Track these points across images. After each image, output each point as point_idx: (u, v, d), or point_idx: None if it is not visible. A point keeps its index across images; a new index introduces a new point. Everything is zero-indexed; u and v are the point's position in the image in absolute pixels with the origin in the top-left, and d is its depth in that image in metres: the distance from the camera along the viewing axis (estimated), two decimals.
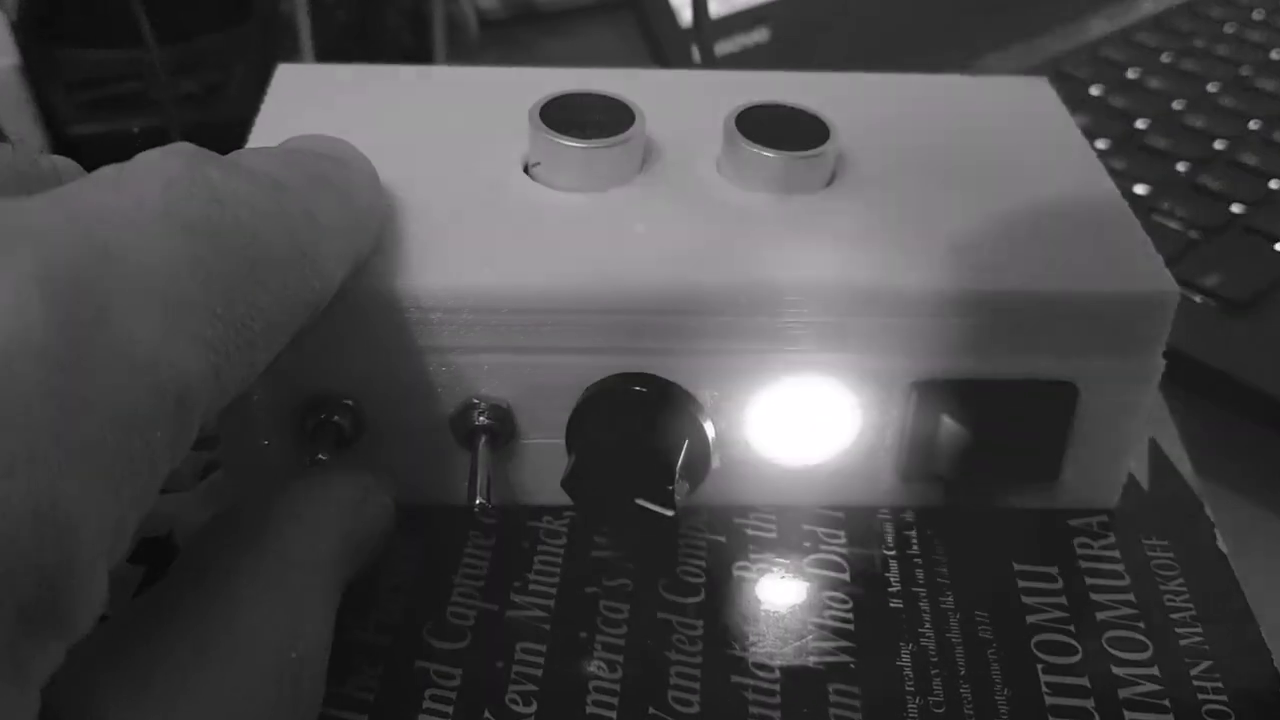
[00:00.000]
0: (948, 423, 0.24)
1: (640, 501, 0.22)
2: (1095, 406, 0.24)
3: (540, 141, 0.24)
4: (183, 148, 0.18)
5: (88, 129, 0.36)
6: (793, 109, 0.26)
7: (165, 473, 0.15)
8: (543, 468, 0.24)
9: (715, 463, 0.23)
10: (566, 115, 0.24)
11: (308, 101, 0.27)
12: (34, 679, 0.14)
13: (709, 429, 0.23)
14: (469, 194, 0.24)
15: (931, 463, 0.24)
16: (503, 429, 0.23)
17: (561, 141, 0.24)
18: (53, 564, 0.13)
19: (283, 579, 0.19)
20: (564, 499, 0.22)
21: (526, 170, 0.25)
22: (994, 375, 0.23)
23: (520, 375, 0.23)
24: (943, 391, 0.24)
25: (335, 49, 0.40)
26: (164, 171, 0.17)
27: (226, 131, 0.24)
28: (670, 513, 0.22)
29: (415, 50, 0.42)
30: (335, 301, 0.21)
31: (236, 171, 0.18)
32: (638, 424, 0.22)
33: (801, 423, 0.24)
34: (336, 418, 0.23)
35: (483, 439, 0.23)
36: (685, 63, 0.40)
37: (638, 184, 0.25)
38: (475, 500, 0.22)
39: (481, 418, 0.23)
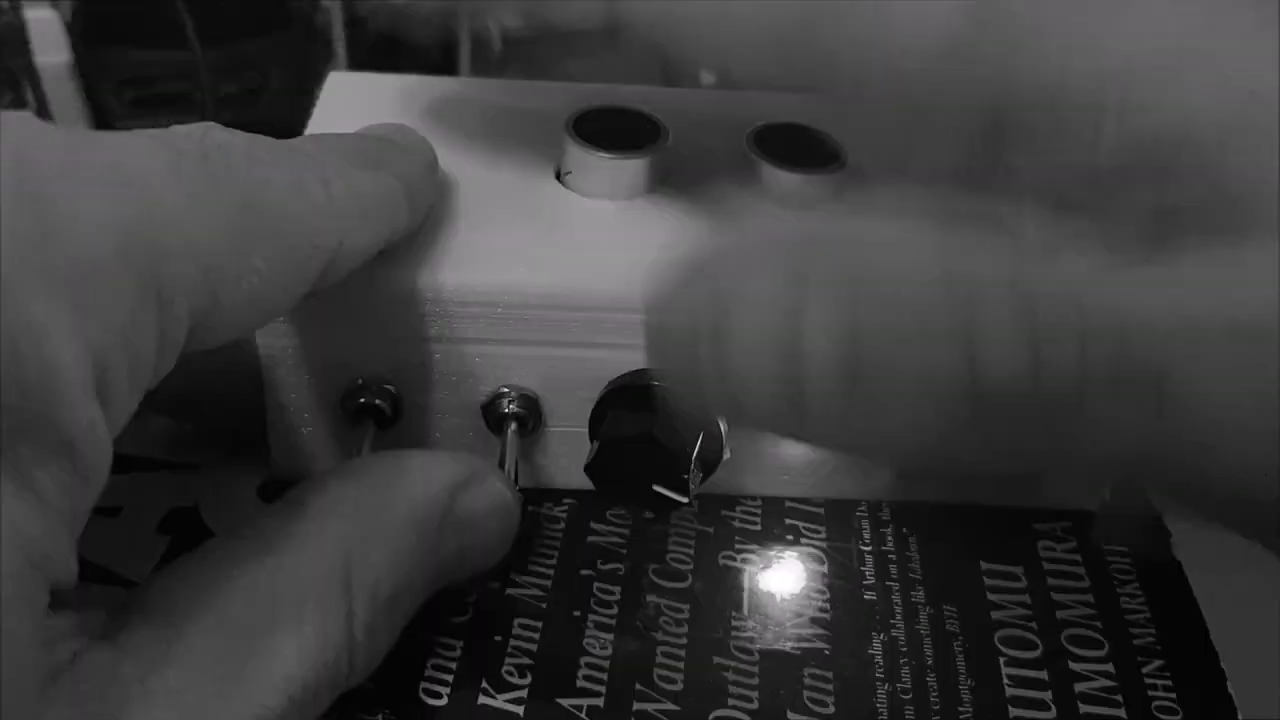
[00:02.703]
0: None
1: (657, 488, 0.22)
2: None
3: (572, 152, 0.25)
4: (206, 123, 0.19)
5: (133, 125, 0.36)
6: (807, 129, 0.26)
7: (144, 331, 0.16)
8: (566, 454, 0.25)
9: (727, 454, 0.23)
10: (597, 128, 0.25)
11: (356, 107, 0.27)
12: (41, 491, 0.15)
13: (722, 423, 0.23)
14: (505, 198, 0.25)
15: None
16: (530, 416, 0.24)
17: (592, 153, 0.25)
18: (31, 366, 0.14)
19: (354, 513, 0.20)
20: (586, 483, 0.23)
21: (558, 177, 0.26)
22: None
23: (548, 367, 0.24)
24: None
25: (367, 60, 0.40)
26: (173, 126, 0.18)
27: (263, 132, 0.25)
28: (685, 499, 0.22)
29: (441, 64, 0.43)
30: (378, 292, 0.22)
31: (244, 133, 0.18)
32: (657, 416, 0.23)
33: None
34: (378, 401, 0.24)
35: (512, 425, 0.24)
36: (693, 84, 0.40)
37: (662, 193, 0.26)
38: None
39: (511, 405, 0.24)
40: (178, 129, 0.18)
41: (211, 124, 0.18)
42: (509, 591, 0.24)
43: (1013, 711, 0.22)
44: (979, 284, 0.14)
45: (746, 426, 0.15)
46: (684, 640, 0.23)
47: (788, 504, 0.26)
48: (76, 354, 0.15)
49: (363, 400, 0.24)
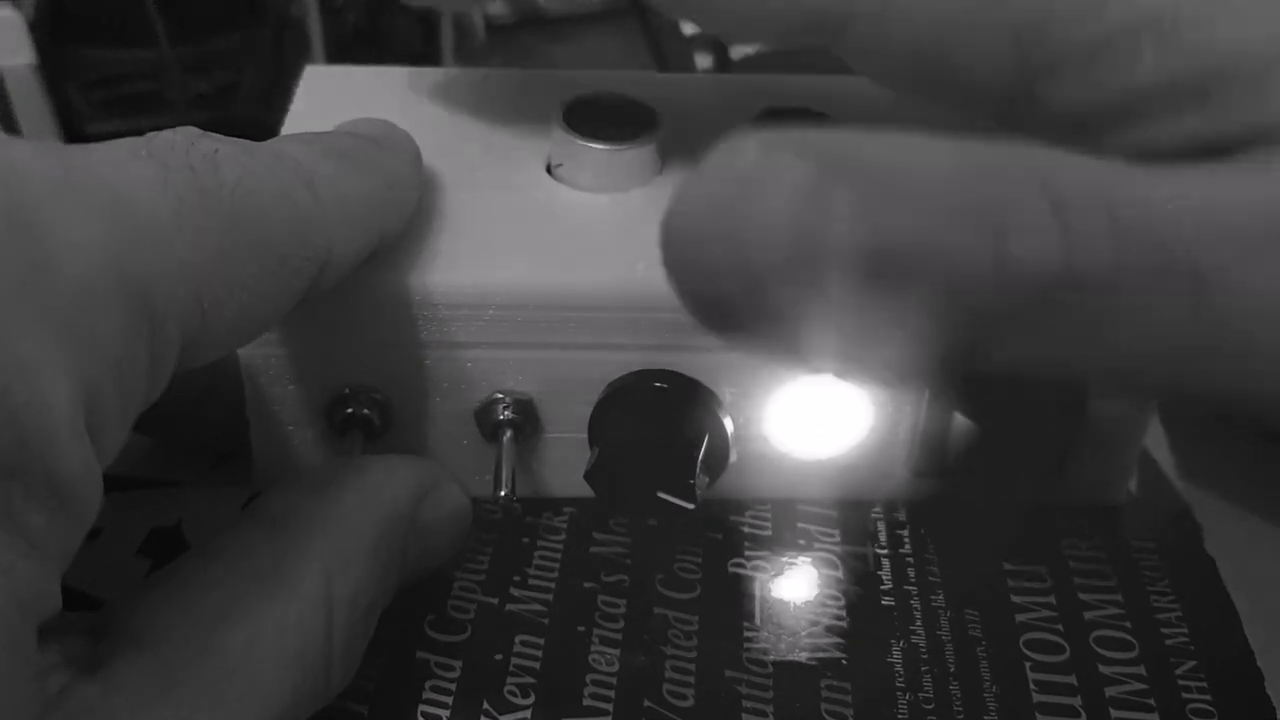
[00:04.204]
0: (960, 420, 0.24)
1: (662, 495, 0.22)
2: (1105, 404, 0.24)
3: (563, 143, 0.25)
4: (188, 128, 0.18)
5: (103, 127, 0.37)
6: (810, 112, 0.26)
7: (136, 360, 0.15)
8: (566, 461, 0.25)
9: (733, 457, 0.24)
10: (588, 117, 0.25)
11: (335, 102, 0.27)
12: (32, 534, 0.14)
13: (728, 424, 0.23)
14: (494, 193, 0.25)
15: (942, 458, 0.25)
16: (526, 423, 0.24)
17: (584, 144, 0.25)
18: (22, 408, 0.14)
19: (331, 527, 0.20)
20: (586, 491, 0.23)
21: (549, 170, 0.25)
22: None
23: (544, 371, 0.23)
24: (956, 390, 0.24)
25: (345, 52, 0.40)
26: (155, 133, 0.18)
27: (238, 131, 0.25)
28: (692, 506, 0.22)
29: (423, 54, 0.43)
30: (363, 296, 0.22)
31: (228, 139, 0.18)
32: (659, 419, 0.23)
33: (816, 419, 0.24)
34: (366, 411, 0.24)
35: (507, 433, 0.24)
36: (687, 68, 0.40)
37: (658, 185, 0.25)
38: (500, 492, 0.23)
39: (506, 412, 0.24)
40: (161, 138, 0.17)
41: (194, 130, 0.18)
42: (508, 607, 0.23)
43: (1040, 718, 0.22)
44: (1008, 177, 0.14)
45: (759, 337, 0.15)
46: (694, 653, 0.23)
47: (799, 507, 0.26)
48: (68, 393, 0.14)
49: (350, 410, 0.24)
